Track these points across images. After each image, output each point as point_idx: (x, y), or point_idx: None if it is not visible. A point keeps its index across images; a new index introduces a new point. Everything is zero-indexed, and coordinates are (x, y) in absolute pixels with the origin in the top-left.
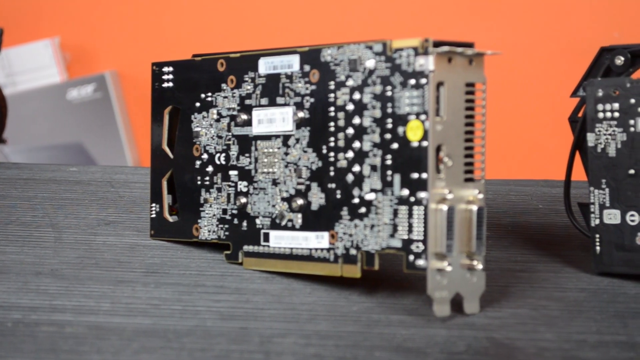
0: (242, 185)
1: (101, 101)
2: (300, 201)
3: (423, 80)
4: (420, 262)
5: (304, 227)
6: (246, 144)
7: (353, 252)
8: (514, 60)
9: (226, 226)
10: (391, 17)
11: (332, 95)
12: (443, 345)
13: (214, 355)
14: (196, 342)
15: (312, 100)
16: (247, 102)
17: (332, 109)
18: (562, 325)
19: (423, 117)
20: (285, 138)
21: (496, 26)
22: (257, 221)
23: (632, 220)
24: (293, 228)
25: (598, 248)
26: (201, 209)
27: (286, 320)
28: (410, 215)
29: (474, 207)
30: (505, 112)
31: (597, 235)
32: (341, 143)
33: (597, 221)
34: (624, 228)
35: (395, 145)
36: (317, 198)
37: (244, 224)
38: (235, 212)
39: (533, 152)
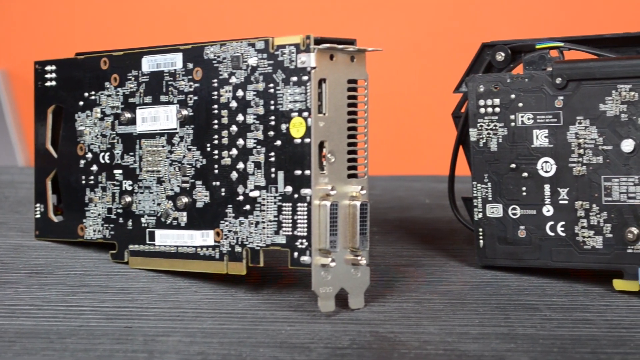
0: (127, 184)
1: None
2: (185, 199)
3: (305, 77)
4: (305, 259)
5: (189, 225)
6: (130, 142)
7: (238, 249)
8: (397, 57)
9: (111, 225)
10: (274, 15)
11: (215, 92)
12: (327, 341)
13: (97, 355)
14: (79, 342)
15: (195, 98)
16: (131, 100)
17: (215, 106)
18: (445, 318)
19: (305, 113)
20: (170, 136)
21: (378, 23)
22: (143, 220)
23: (514, 214)
24: (178, 226)
25: (481, 241)
26: (86, 208)
27: (171, 318)
28: (294, 211)
29: (357, 203)
30: (390, 109)
31: (481, 229)
32: (225, 140)
33: (480, 215)
34: (506, 221)
35: (278, 142)
36: (201, 196)
37: (130, 223)
38: (120, 211)
39: (421, 148)
